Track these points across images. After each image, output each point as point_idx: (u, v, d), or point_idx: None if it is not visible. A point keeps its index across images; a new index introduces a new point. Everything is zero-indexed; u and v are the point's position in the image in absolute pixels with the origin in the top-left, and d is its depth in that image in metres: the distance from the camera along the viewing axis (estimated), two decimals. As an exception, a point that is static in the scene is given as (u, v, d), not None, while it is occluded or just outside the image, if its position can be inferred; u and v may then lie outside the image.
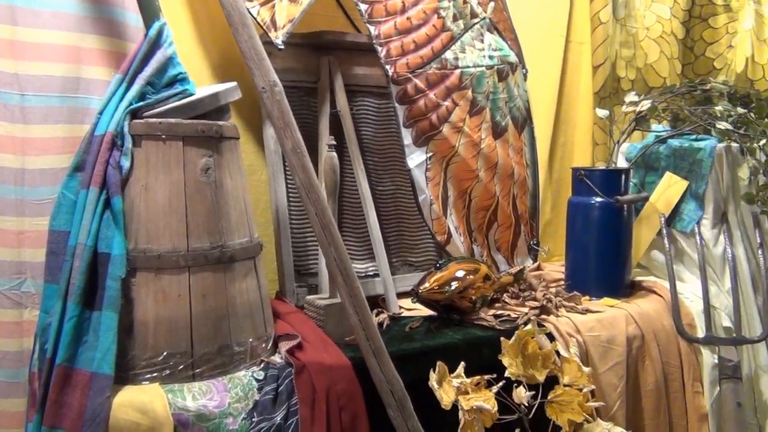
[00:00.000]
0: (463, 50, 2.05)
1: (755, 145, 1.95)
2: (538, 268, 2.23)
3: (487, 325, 1.71)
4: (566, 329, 1.75)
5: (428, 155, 1.97)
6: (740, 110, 1.99)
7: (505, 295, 1.94)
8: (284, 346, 1.47)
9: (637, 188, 2.22)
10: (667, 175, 2.12)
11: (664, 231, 2.07)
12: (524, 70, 2.26)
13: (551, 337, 1.71)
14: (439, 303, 1.70)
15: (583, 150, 2.40)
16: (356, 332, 1.42)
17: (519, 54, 2.24)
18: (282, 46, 1.67)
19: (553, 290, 1.99)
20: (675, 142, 2.11)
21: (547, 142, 2.32)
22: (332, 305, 1.58)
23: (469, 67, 2.06)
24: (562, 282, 2.05)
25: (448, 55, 2.00)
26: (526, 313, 1.76)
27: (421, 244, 2.04)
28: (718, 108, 1.98)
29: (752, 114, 2.11)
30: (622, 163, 2.28)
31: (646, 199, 2.04)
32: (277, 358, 1.45)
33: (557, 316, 1.78)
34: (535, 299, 1.91)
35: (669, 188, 2.12)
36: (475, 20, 2.08)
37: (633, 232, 2.10)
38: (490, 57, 2.13)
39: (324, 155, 1.62)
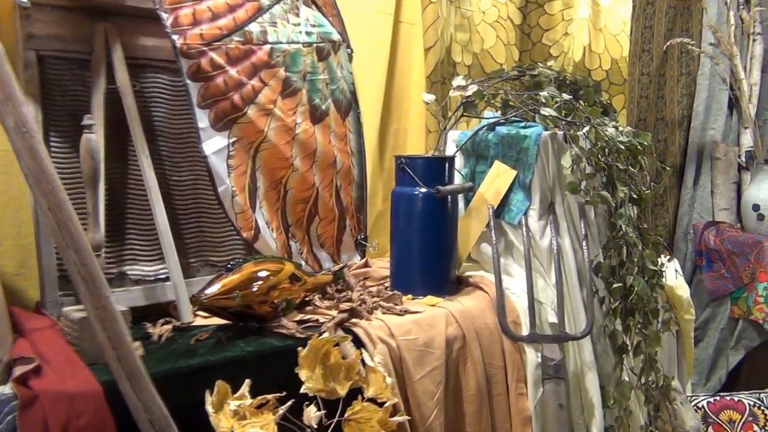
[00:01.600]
0: (274, 24, 1.83)
1: (579, 132, 1.88)
2: (366, 265, 2.06)
3: (286, 333, 1.51)
4: (379, 334, 1.58)
5: (231, 140, 1.73)
6: (566, 96, 1.91)
7: (317, 296, 1.74)
8: (17, 371, 1.19)
9: (468, 178, 2.10)
10: (496, 164, 2.01)
11: (491, 223, 1.95)
12: (349, 50, 2.07)
13: (360, 344, 1.54)
14: (229, 310, 1.48)
15: (417, 138, 2.26)
16: (105, 352, 1.17)
17: (342, 32, 2.05)
18: (27, 3, 1.38)
19: (374, 289, 1.83)
20: (503, 130, 2.00)
21: (376, 129, 2.15)
22: (88, 318, 1.31)
23: (281, 42, 1.84)
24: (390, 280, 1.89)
25: (254, 28, 1.77)
26: (333, 318, 1.57)
27: (226, 241, 1.81)
28: (543, 94, 1.89)
29: (581, 102, 2.04)
30: (451, 151, 2.15)
31: (471, 189, 1.92)
32: (5, 389, 1.17)
33: (369, 319, 1.61)
34: (350, 300, 1.73)
35: (498, 178, 2.01)
36: (288, -9, 1.87)
37: (461, 224, 1.98)
38: (308, 33, 1.92)
39: (82, 138, 1.34)
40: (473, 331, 1.74)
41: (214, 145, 1.68)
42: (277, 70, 1.83)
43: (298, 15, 1.90)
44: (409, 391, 1.57)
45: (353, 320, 1.59)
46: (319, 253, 2.00)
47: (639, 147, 2.03)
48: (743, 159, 3.08)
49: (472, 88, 1.94)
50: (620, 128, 2.05)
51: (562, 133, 1.88)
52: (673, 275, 2.25)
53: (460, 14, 2.37)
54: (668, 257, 2.20)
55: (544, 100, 1.89)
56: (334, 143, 2.00)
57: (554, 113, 1.85)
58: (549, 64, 2.25)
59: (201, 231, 1.77)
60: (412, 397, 1.57)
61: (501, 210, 2.00)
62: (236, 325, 1.54)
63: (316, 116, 1.95)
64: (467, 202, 2.05)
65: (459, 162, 2.16)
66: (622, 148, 1.92)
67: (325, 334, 1.40)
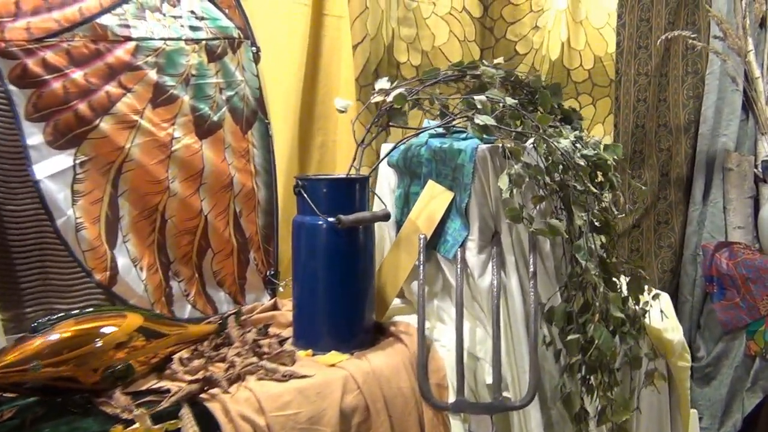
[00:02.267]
0: (141, 16, 1.50)
1: (525, 145, 1.50)
2: (274, 307, 1.71)
3: (110, 413, 1.16)
4: (242, 410, 1.22)
5: (78, 161, 1.40)
6: (509, 101, 1.53)
7: (187, 354, 1.39)
8: None
9: (401, 200, 1.74)
10: (430, 184, 1.65)
11: (421, 257, 1.58)
12: (253, 49, 1.73)
13: (212, 427, 1.18)
14: (27, 386, 1.13)
15: (349, 152, 1.89)
16: None
17: (244, 27, 1.71)
18: None
19: (265, 343, 1.47)
20: (435, 143, 1.63)
21: (294, 144, 1.79)
22: None
23: (151, 39, 1.51)
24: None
25: (110, 21, 1.44)
26: (178, 391, 1.22)
27: (77, 285, 1.47)
28: (479, 98, 1.51)
29: (540, 109, 1.66)
30: (383, 168, 1.79)
31: (385, 217, 1.55)
32: None
33: (228, 391, 1.25)
34: (223, 360, 1.37)
35: (431, 201, 1.64)
36: (163, -24, 1.53)
37: (389, 258, 1.63)
38: (193, 28, 1.59)
39: None
40: (381, 399, 1.37)
41: (48, 167, 1.36)
42: (143, 73, 1.49)
43: (177, 5, 1.56)
44: (283, 485, 1.21)
45: (211, 392, 1.24)
46: (215, 294, 1.65)
47: (609, 162, 1.64)
48: (760, 170, 2.62)
49: (396, 92, 1.57)
50: (586, 139, 1.67)
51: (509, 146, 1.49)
52: (660, 316, 1.85)
53: (404, 6, 2.01)
54: (653, 293, 1.79)
55: (480, 106, 1.51)
56: (230, 161, 1.66)
57: (491, 121, 1.47)
58: (524, 67, 1.87)
59: (44, 273, 1.44)
60: (287, 493, 1.21)
61: (436, 240, 1.63)
62: (57, 398, 1.20)
63: (204, 129, 1.61)
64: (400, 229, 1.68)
65: (393, 181, 1.79)
66: (582, 164, 1.53)
67: (136, 426, 1.05)
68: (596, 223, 1.53)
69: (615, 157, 1.65)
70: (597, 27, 2.36)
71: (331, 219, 1.43)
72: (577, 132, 1.67)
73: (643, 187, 2.35)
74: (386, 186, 1.79)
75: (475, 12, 2.13)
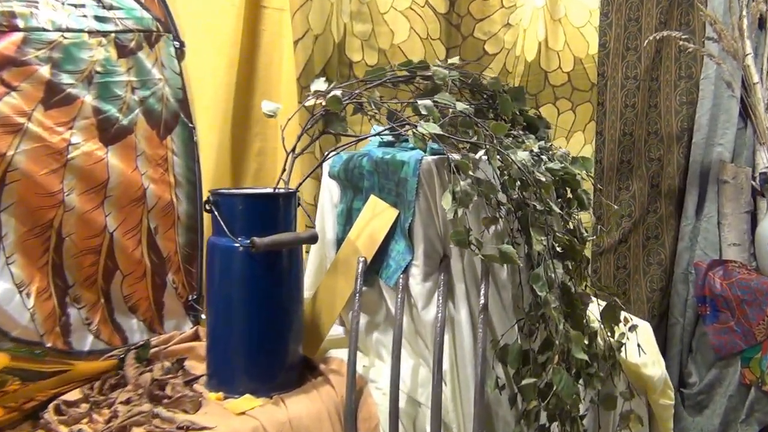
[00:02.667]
0: (33, 3, 1.29)
1: (475, 156, 1.29)
2: (195, 337, 1.50)
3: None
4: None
5: (-53, 169, 1.20)
6: (461, 106, 1.32)
7: (66, 398, 1.19)
8: None
9: (343, 217, 1.53)
10: (372, 199, 1.44)
11: (358, 283, 1.37)
12: (175, 44, 1.53)
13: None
14: None
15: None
16: None
17: (164, 19, 1.51)
18: None
19: (169, 385, 1.26)
20: (377, 152, 1.42)
21: (224, 151, 1.58)
22: None
23: (44, 30, 1.31)
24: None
25: (-11, 7, 1.24)
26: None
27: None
28: (424, 102, 1.31)
29: (491, 113, 1.46)
30: (326, 180, 1.59)
31: (312, 239, 1.34)
32: None
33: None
34: (110, 406, 1.17)
35: (373, 219, 1.43)
36: (61, -41, 1.33)
37: (326, 283, 1.44)
38: (100, 18, 1.39)
39: None
40: (296, 455, 1.17)
41: None
42: (31, 69, 1.29)
43: (79, -7, 1.36)
44: None
45: (79, 451, 1.03)
46: (126, 322, 1.45)
47: (578, 177, 1.44)
48: (758, 183, 2.41)
49: (331, 95, 1.36)
50: (553, 150, 1.46)
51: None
52: (636, 350, 1.63)
53: (357, -1, 1.81)
54: (630, 325, 1.58)
55: (424, 111, 1.31)
56: (143, 170, 1.45)
57: (436, 129, 1.26)
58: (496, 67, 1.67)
59: None
60: None
61: (378, 264, 1.42)
62: None
63: (111, 133, 1.40)
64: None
65: (336, 195, 1.59)
66: (545, 179, 1.32)
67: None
68: (558, 249, 1.32)
69: (586, 171, 1.45)
70: (577, 26, 2.15)
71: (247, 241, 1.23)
72: (542, 142, 1.46)
73: (615, 207, 2.14)
74: (328, 200, 1.58)
75: (439, 7, 1.93)
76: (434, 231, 1.35)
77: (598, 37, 2.17)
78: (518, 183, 1.30)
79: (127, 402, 1.16)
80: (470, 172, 1.24)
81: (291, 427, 1.18)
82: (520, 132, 1.44)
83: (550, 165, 1.40)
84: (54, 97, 1.32)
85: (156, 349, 1.41)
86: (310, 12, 1.66)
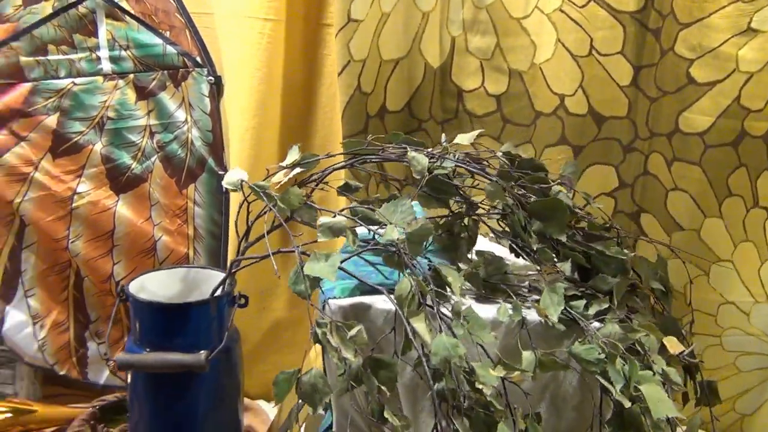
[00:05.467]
0: (41, 49, 1.28)
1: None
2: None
3: None
4: None
5: (-27, 211, 1.33)
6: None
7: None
8: None
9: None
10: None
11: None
12: (210, 79, 1.33)
13: None
14: None
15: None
16: None
17: (198, 53, 1.32)
18: None
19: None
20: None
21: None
22: None
23: (53, 78, 1.29)
24: None
25: (-5, 61, 1.27)
26: None
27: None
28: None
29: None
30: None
31: (196, 367, 1.05)
32: None
33: None
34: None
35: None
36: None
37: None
38: (115, 59, 1.30)
39: None
40: None
41: (-62, 215, 1.32)
42: (38, 120, 1.29)
43: (93, 33, 1.28)
44: None
45: None
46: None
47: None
48: None
49: (289, 190, 1.00)
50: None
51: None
52: None
53: (472, 2, 1.25)
54: None
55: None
56: (157, 221, 1.36)
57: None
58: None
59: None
60: None
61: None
62: None
63: (122, 182, 1.34)
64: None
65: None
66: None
67: None
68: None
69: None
70: None
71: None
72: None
73: None
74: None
75: (626, 3, 1.21)
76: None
77: None
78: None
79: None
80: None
81: None
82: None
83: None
84: (62, 145, 1.32)
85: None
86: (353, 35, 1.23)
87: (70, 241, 1.35)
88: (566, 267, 0.91)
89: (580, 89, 1.29)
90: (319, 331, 0.81)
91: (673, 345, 0.89)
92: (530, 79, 1.31)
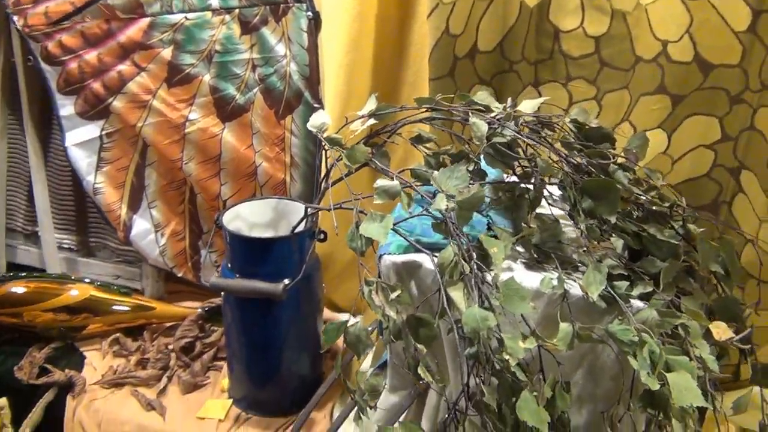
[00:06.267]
0: (160, -13, 1.38)
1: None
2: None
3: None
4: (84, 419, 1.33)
5: (106, 131, 1.51)
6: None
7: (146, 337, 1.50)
8: None
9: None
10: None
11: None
12: (308, 14, 1.37)
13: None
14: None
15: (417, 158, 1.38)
16: None
17: (296, -14, 1.36)
18: None
19: (198, 362, 1.43)
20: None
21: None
22: None
23: (168, 13, 1.39)
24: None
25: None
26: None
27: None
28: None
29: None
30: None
31: (274, 295, 1.17)
32: None
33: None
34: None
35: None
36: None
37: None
38: (224, -6, 1.38)
39: None
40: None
41: (78, 135, 1.50)
42: (155, 52, 1.41)
43: (202, -29, 1.36)
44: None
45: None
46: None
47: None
48: None
49: (355, 144, 1.06)
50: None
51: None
52: None
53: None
54: None
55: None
56: (258, 148, 1.48)
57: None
58: None
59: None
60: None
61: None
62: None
63: (227, 111, 1.45)
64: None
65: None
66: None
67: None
68: None
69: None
70: None
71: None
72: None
73: None
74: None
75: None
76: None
77: None
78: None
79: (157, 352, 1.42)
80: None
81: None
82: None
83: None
84: (175, 76, 1.43)
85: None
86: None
87: (183, 162, 1.50)
88: (618, 244, 0.91)
89: (686, 35, 1.20)
90: (366, 289, 0.89)
91: (721, 331, 0.88)
92: (634, 21, 1.23)
